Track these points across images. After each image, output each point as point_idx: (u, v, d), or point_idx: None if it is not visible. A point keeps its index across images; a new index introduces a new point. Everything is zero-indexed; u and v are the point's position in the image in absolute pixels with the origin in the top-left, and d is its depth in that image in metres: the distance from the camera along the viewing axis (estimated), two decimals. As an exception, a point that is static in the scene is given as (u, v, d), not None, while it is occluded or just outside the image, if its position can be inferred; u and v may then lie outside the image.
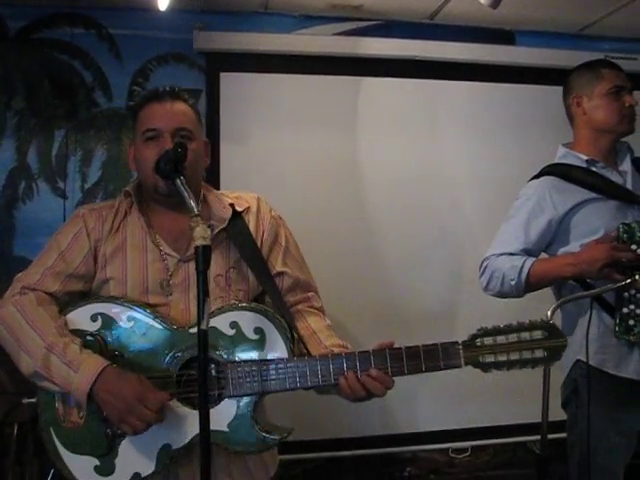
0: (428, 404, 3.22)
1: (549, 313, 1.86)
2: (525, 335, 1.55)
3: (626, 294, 2.11)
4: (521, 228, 2.28)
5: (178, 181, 1.55)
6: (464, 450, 3.34)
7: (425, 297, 3.24)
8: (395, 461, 3.28)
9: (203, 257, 1.38)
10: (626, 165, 2.34)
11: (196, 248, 1.38)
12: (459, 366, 1.57)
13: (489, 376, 3.06)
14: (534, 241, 2.27)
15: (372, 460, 3.24)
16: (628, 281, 2.03)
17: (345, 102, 3.21)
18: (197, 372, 1.39)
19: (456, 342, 1.57)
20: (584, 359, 2.18)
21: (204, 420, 1.35)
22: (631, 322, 2.13)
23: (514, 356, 1.55)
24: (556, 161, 2.39)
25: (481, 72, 3.34)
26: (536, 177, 2.37)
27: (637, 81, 3.37)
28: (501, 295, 2.29)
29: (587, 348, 2.11)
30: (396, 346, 1.59)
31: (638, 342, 2.15)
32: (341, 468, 3.21)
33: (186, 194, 1.51)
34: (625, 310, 2.13)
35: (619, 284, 2.05)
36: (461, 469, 3.36)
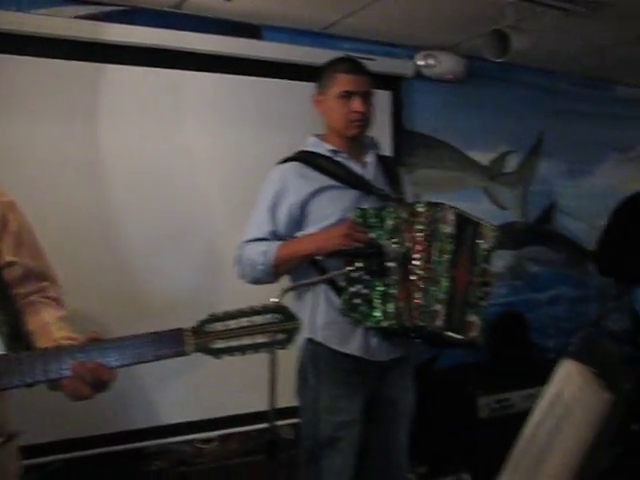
0: (172, 396, 3.34)
1: (278, 296, 1.93)
2: (258, 319, 1.57)
3: (354, 274, 2.34)
4: (268, 212, 2.47)
5: None
6: (212, 440, 3.48)
7: (175, 286, 3.34)
8: (141, 456, 3.33)
9: None
10: (369, 158, 2.60)
11: None
12: (187, 353, 1.57)
13: (234, 363, 3.24)
14: (281, 224, 2.47)
15: (117, 458, 3.24)
16: (351, 268, 2.27)
17: (86, 89, 3.21)
18: None
19: (183, 328, 1.57)
20: (312, 337, 2.44)
21: None
22: (357, 301, 2.36)
23: (246, 340, 1.57)
24: (304, 148, 2.60)
25: (227, 64, 3.50)
26: (283, 162, 2.56)
27: (375, 80, 3.75)
28: (255, 281, 2.46)
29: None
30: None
31: (362, 321, 2.38)
32: (85, 469, 3.17)
33: None
34: (352, 289, 2.36)
35: (346, 270, 2.28)
36: (210, 458, 3.46)
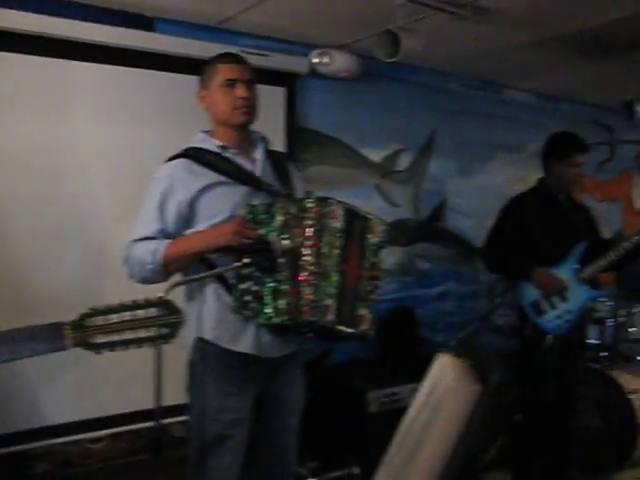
0: (58, 394, 3.27)
1: (164, 293, 1.92)
2: (140, 313, 1.59)
3: (245, 271, 2.35)
4: (156, 211, 2.43)
5: None
6: (101, 439, 3.43)
7: (62, 282, 3.27)
8: (24, 459, 3.24)
9: None
10: (258, 154, 2.61)
11: None
12: (66, 348, 1.56)
13: (124, 360, 3.21)
14: (170, 222, 2.44)
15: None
16: (239, 264, 2.28)
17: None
18: None
19: (62, 322, 1.56)
20: (202, 336, 2.44)
21: None
22: (247, 298, 2.36)
23: (129, 335, 1.59)
24: (192, 145, 2.58)
25: (119, 56, 3.45)
26: (172, 159, 2.53)
27: (270, 76, 3.78)
28: (145, 281, 2.42)
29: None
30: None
31: (253, 318, 2.38)
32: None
33: None
34: (243, 286, 2.36)
35: (234, 265, 2.29)
36: (98, 458, 3.42)
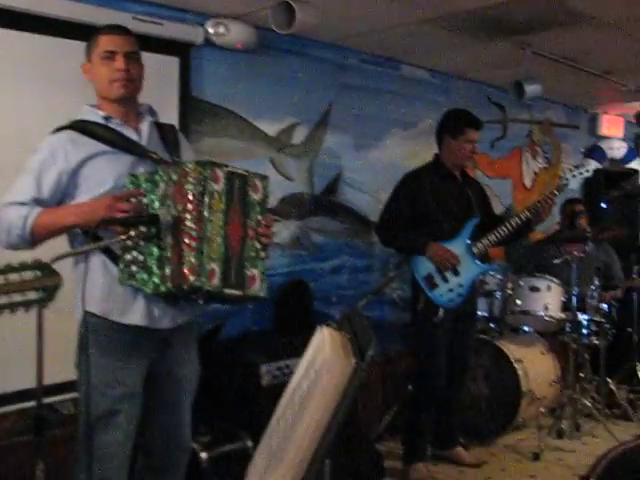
0: None
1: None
2: (14, 277, 1.54)
3: (130, 242, 2.34)
4: (33, 179, 2.39)
5: None
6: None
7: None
8: None
9: None
10: (144, 125, 2.59)
11: None
12: None
13: (5, 337, 3.11)
14: (46, 192, 2.40)
15: None
16: (123, 237, 2.27)
17: None
18: None
19: None
20: (90, 310, 2.41)
21: None
22: (134, 268, 2.36)
23: (2, 299, 1.54)
24: (77, 117, 2.55)
25: (3, 19, 3.30)
26: (56, 132, 2.49)
27: (163, 46, 3.71)
28: (11, 247, 2.37)
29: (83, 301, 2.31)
30: None
31: (141, 288, 2.38)
32: None
33: None
34: (128, 257, 2.36)
35: (119, 238, 2.28)
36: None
